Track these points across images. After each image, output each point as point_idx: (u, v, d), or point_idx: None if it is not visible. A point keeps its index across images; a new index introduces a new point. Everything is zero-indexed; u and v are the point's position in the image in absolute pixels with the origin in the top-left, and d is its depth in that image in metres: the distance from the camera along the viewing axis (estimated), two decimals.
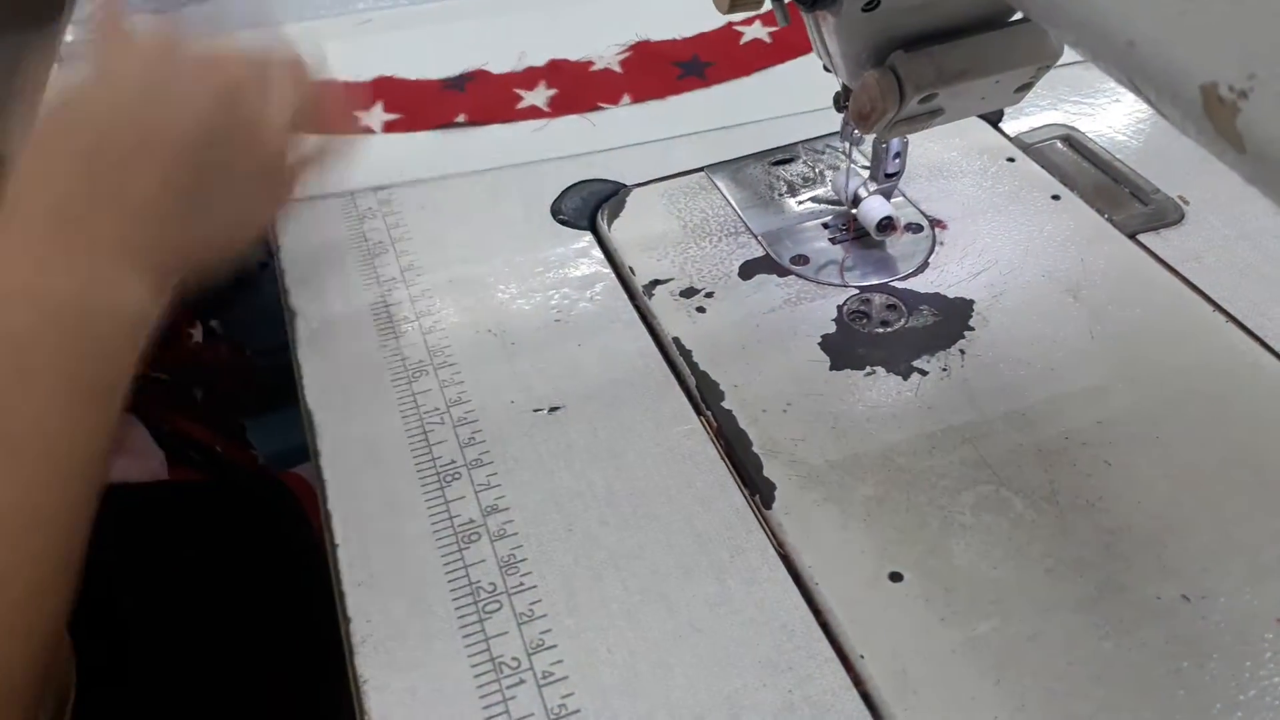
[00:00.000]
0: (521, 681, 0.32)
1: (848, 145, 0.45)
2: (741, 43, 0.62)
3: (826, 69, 0.40)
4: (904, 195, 0.49)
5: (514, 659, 0.33)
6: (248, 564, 0.59)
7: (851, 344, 0.42)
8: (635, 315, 0.45)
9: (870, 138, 0.46)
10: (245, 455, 0.84)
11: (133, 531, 0.61)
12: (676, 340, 0.44)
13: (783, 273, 0.46)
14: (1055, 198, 0.49)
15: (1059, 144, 0.53)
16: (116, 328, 0.32)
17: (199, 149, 0.34)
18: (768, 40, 0.62)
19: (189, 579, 0.57)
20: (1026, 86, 0.39)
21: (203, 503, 0.69)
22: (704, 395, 0.41)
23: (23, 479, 0.29)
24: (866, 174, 0.46)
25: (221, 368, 0.95)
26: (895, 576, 0.34)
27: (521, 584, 0.35)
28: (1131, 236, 0.47)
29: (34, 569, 0.29)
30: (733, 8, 0.34)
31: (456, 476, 0.38)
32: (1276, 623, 0.32)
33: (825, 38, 0.38)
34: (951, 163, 0.51)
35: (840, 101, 0.42)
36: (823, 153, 0.48)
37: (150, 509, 0.67)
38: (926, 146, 0.51)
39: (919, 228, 0.47)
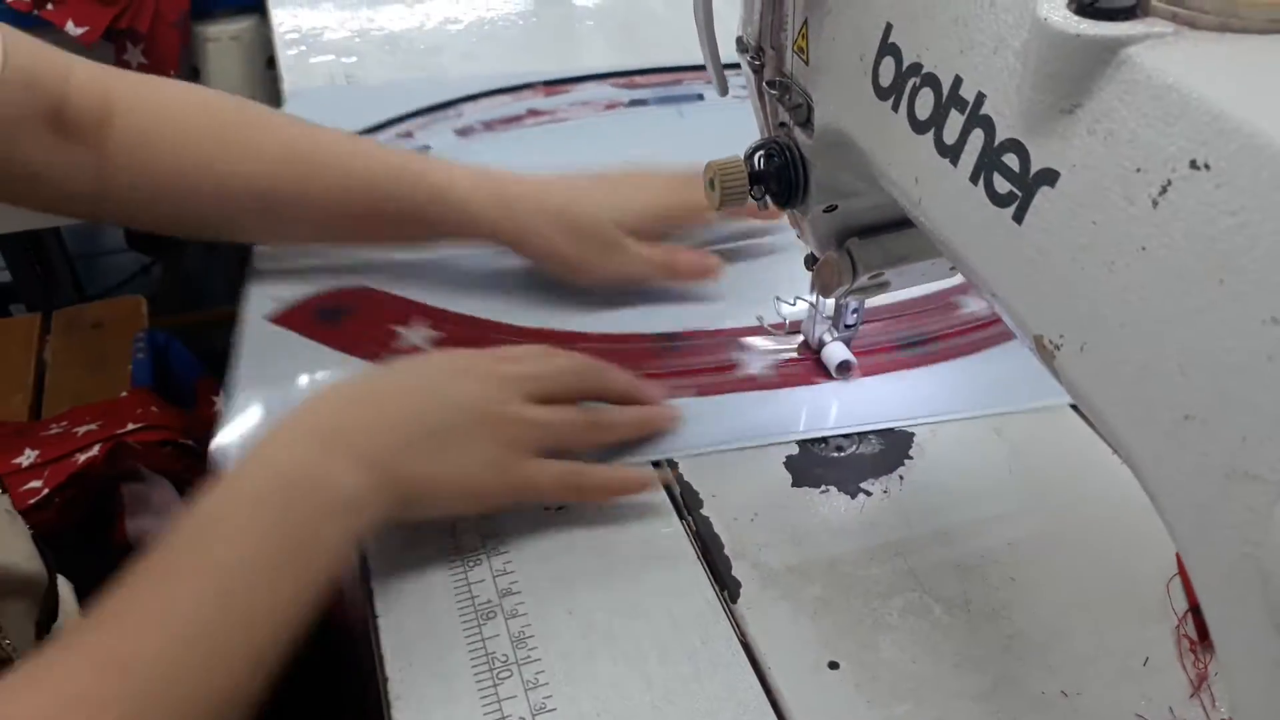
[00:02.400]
0: None
1: (816, 297, 0.54)
2: None
3: (799, 237, 0.50)
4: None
5: (521, 718, 0.40)
6: None
7: (811, 465, 0.51)
8: None
9: None
10: None
11: None
12: None
13: None
14: None
15: None
16: (331, 500, 0.41)
17: (435, 429, 0.45)
18: None
19: None
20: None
21: None
22: (686, 501, 0.49)
23: (237, 599, 0.39)
24: (830, 322, 0.55)
25: None
26: (833, 665, 0.42)
27: (529, 656, 0.42)
28: None
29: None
30: (722, 205, 0.43)
31: (478, 562, 0.46)
32: (1135, 716, 0.40)
33: (798, 222, 0.47)
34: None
35: (810, 263, 0.51)
36: (793, 304, 0.57)
37: None
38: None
39: None
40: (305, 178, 0.57)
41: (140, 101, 0.56)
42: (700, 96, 0.82)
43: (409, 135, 0.79)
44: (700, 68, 0.42)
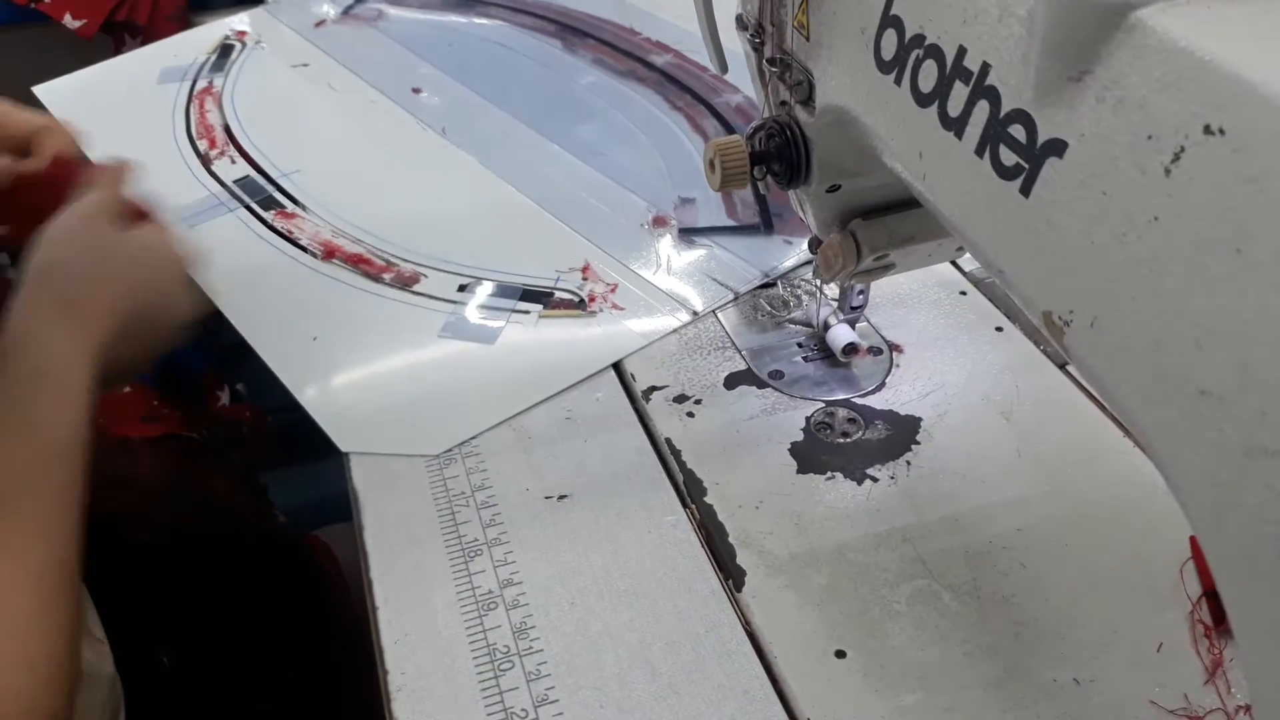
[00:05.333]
0: None
1: (818, 282, 0.53)
2: None
3: (803, 220, 0.49)
4: (868, 321, 0.57)
5: (523, 709, 0.40)
6: (280, 619, 0.66)
7: (816, 451, 0.50)
8: (634, 417, 0.53)
9: None
10: (268, 515, 0.91)
11: (169, 583, 0.67)
12: (669, 440, 0.51)
13: (761, 385, 0.54)
14: (998, 329, 0.57)
15: None
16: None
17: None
18: None
19: (227, 633, 0.64)
20: (964, 248, 0.47)
21: (234, 559, 0.76)
22: (690, 490, 0.49)
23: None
24: (836, 304, 0.54)
25: (246, 427, 1.03)
26: (840, 653, 0.41)
27: (531, 647, 0.42)
28: (1061, 367, 0.54)
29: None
30: (723, 186, 0.42)
31: (478, 553, 0.46)
32: (1149, 704, 0.39)
33: (801, 203, 0.46)
34: (912, 294, 0.59)
35: (814, 246, 0.50)
36: (798, 286, 0.57)
37: (183, 562, 0.74)
38: (891, 278, 0.59)
39: (879, 351, 0.55)
40: None
41: None
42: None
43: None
44: None
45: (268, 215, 0.68)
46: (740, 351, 0.56)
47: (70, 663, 0.40)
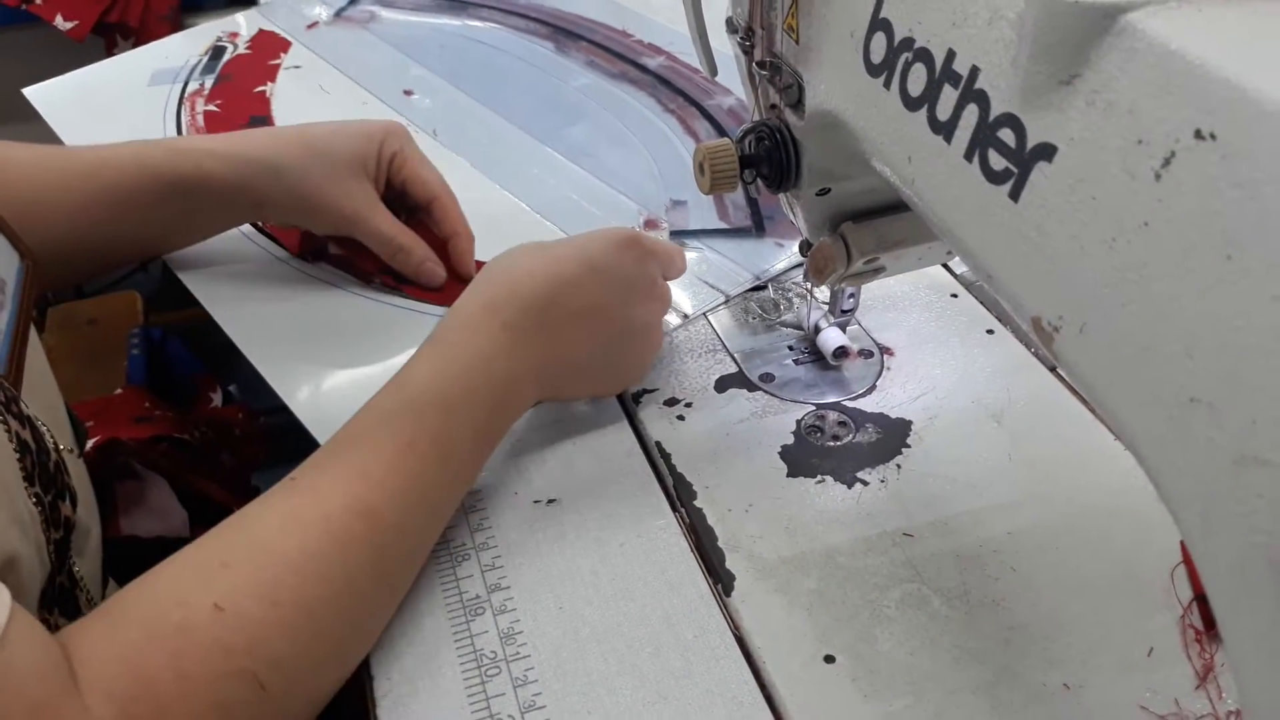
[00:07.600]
0: None
1: (809, 285, 0.53)
2: None
3: (793, 223, 0.49)
4: (859, 324, 0.57)
5: (510, 716, 0.39)
6: None
7: (806, 455, 0.50)
8: (624, 420, 0.53)
9: None
10: None
11: None
12: (659, 444, 0.51)
13: (752, 388, 0.54)
14: (990, 332, 0.57)
15: None
16: (516, 405, 0.48)
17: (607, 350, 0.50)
18: None
19: None
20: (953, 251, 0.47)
21: None
22: (679, 494, 0.48)
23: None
24: (827, 307, 0.54)
25: (238, 429, 1.02)
26: (829, 659, 0.41)
27: (518, 653, 0.41)
28: (1052, 370, 0.54)
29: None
30: (713, 189, 0.42)
31: (466, 557, 0.45)
32: (1139, 709, 0.39)
33: (791, 206, 0.46)
34: (903, 296, 0.59)
35: (804, 249, 0.50)
36: (789, 289, 0.56)
37: None
38: (883, 280, 0.59)
39: (870, 354, 0.55)
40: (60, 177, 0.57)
41: None
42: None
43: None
44: None
45: None
46: (731, 354, 0.56)
47: (333, 623, 0.39)
